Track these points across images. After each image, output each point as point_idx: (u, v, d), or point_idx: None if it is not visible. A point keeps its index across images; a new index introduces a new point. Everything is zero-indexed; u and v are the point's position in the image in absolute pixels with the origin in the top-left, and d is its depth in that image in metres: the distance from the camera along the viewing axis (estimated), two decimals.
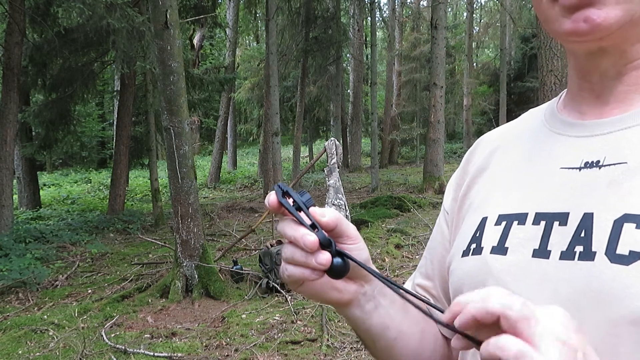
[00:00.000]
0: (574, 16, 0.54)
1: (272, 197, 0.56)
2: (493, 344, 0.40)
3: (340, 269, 0.56)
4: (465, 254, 0.64)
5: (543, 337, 0.39)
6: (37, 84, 9.49)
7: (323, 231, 0.55)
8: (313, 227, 0.55)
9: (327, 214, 0.56)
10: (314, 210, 0.56)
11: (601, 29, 0.53)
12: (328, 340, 3.95)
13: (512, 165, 0.67)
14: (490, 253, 0.60)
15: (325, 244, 0.55)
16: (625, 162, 0.54)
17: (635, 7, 0.53)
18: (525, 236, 0.58)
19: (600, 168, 0.56)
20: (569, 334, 0.41)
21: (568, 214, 0.55)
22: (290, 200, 0.56)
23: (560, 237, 0.55)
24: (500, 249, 0.59)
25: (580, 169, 0.57)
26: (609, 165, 0.55)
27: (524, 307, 0.41)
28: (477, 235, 0.63)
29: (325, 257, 0.54)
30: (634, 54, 0.57)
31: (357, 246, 0.58)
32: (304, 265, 0.55)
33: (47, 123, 10.00)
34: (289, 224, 0.56)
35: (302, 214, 0.56)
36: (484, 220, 0.64)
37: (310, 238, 0.53)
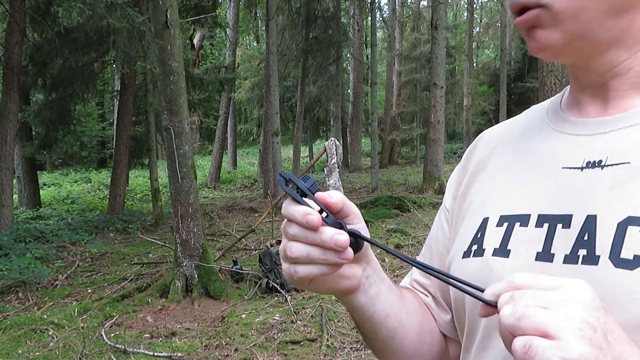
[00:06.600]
0: (529, 36, 0.58)
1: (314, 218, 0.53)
2: (512, 349, 0.42)
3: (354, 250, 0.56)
4: (466, 255, 0.63)
5: (558, 326, 0.39)
6: (37, 83, 9.49)
7: (332, 216, 0.55)
8: (321, 211, 0.54)
9: (334, 196, 0.55)
10: (322, 195, 0.55)
11: (547, 47, 0.56)
12: (328, 340, 3.95)
13: (513, 163, 0.65)
14: (492, 255, 0.59)
15: (337, 228, 0.54)
16: (629, 162, 0.53)
17: (575, 26, 0.54)
18: (528, 238, 0.57)
19: (602, 168, 0.54)
20: (589, 312, 0.40)
21: (571, 216, 0.54)
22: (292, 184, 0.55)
23: (564, 240, 0.53)
24: (502, 251, 0.58)
25: (582, 169, 0.56)
26: (612, 165, 0.54)
27: (527, 310, 0.41)
28: (479, 236, 0.62)
29: (349, 253, 0.54)
30: (612, 61, 0.56)
31: (362, 225, 0.58)
32: (323, 262, 0.54)
33: (47, 123, 9.99)
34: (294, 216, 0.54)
35: (309, 200, 0.54)
36: (485, 220, 0.63)
37: (343, 237, 0.53)
